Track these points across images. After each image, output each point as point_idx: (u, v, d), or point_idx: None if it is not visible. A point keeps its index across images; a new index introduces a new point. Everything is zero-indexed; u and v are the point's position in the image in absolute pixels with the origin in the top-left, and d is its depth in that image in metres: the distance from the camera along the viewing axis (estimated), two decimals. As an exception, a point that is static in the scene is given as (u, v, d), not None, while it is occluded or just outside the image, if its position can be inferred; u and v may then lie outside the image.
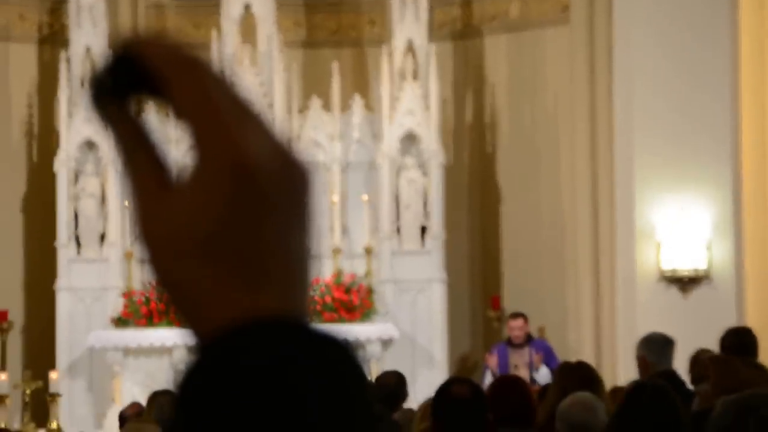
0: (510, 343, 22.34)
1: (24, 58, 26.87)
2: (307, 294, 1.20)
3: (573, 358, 17.80)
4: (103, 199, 24.72)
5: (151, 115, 17.47)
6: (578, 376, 13.29)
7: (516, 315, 22.98)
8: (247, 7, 25.05)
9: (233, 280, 1.13)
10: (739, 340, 16.23)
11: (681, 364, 15.50)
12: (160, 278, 1.17)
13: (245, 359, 1.07)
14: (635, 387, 10.85)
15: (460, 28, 27.29)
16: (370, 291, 23.95)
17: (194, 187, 1.15)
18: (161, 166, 1.18)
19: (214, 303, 1.13)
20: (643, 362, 15.71)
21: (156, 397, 14.26)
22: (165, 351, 22.92)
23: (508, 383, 14.76)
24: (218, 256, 1.14)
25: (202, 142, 1.16)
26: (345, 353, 1.12)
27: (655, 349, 16.13)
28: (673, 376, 14.52)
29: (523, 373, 20.36)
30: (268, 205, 1.16)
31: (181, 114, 1.17)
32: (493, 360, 21.91)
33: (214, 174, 1.15)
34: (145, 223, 1.17)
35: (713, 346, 15.99)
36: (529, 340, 22.47)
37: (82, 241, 24.84)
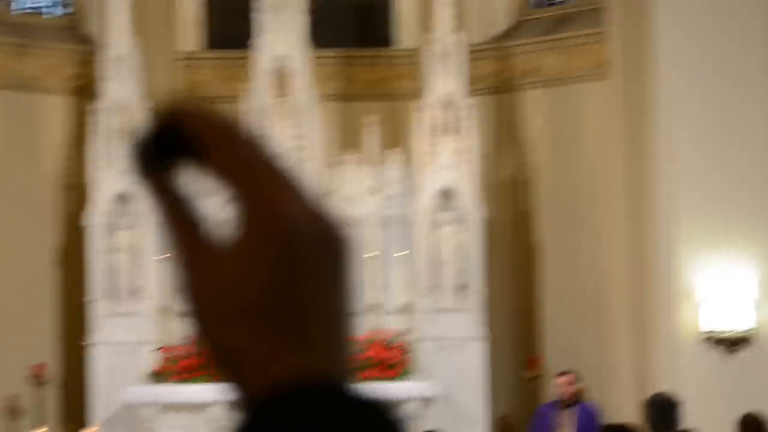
0: (558, 402, 20.57)
1: (55, 110, 25.67)
2: (348, 354, 1.18)
3: (613, 421, 17.54)
4: (136, 253, 23.63)
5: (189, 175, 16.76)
6: None
7: (563, 373, 21.22)
8: (280, 60, 23.87)
9: (277, 344, 1.11)
10: None
11: (727, 428, 15.26)
12: (205, 339, 1.15)
13: (290, 423, 1.07)
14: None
15: (497, 82, 26.35)
16: (408, 349, 22.83)
17: (238, 255, 1.12)
18: (205, 233, 1.15)
19: (259, 365, 1.10)
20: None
21: None
22: (202, 407, 21.91)
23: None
24: (262, 320, 1.11)
25: (243, 210, 1.13)
26: (384, 417, 1.10)
27: (655, 412, 15.75)
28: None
29: None
30: (308, 270, 1.13)
31: (221, 179, 1.13)
32: (539, 421, 20.68)
33: (256, 242, 1.11)
34: (191, 287, 1.13)
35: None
36: (576, 401, 20.73)
37: (116, 295, 23.62)
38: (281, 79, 23.83)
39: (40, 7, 27.26)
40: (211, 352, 1.14)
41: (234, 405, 1.13)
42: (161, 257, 22.31)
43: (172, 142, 1.15)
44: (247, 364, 1.12)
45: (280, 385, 1.08)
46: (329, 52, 25.92)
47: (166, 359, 23.04)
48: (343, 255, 1.16)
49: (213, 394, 16.82)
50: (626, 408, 19.86)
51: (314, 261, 1.13)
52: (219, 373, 1.14)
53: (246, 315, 1.12)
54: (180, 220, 1.17)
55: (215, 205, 1.14)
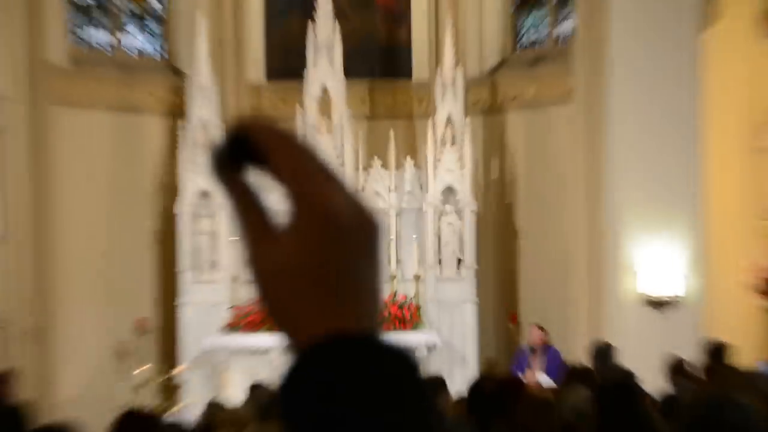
0: (530, 348, 21.88)
1: (154, 127, 26.89)
2: (378, 311, 1.35)
3: (570, 361, 18.43)
4: (214, 235, 24.90)
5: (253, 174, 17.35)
6: (581, 376, 13.17)
7: (536, 326, 22.60)
8: (324, 88, 24.96)
9: (322, 304, 1.28)
10: (719, 349, 16.91)
11: (656, 367, 15.81)
12: (265, 301, 1.35)
13: (332, 364, 1.25)
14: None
15: (488, 105, 27.38)
16: (418, 308, 24.09)
17: (293, 235, 1.31)
18: (266, 218, 1.35)
19: (306, 320, 1.28)
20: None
21: (253, 388, 14.38)
22: (262, 352, 22.27)
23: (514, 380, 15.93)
24: (311, 286, 1.29)
25: (297, 201, 1.32)
26: (404, 357, 1.29)
27: (603, 354, 17.16)
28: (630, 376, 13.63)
29: (538, 375, 20.47)
30: (348, 247, 1.30)
31: (280, 178, 1.34)
32: (517, 363, 21.73)
33: (307, 225, 1.30)
34: (256, 262, 1.33)
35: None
36: (546, 346, 21.96)
37: (199, 267, 24.92)
38: (324, 103, 24.91)
39: (144, 50, 28.34)
40: (269, 311, 1.36)
41: (287, 351, 1.37)
42: (233, 239, 23.43)
43: (242, 149, 1.40)
44: (298, 320, 1.32)
45: (323, 335, 1.30)
46: (361, 82, 26.79)
47: (236, 316, 23.99)
48: (375, 236, 1.37)
49: (271, 342, 20.56)
50: (582, 352, 19.86)
51: (353, 241, 1.34)
52: (275, 327, 1.36)
53: (298, 282, 1.32)
54: (246, 209, 1.40)
55: (274, 197, 1.44)
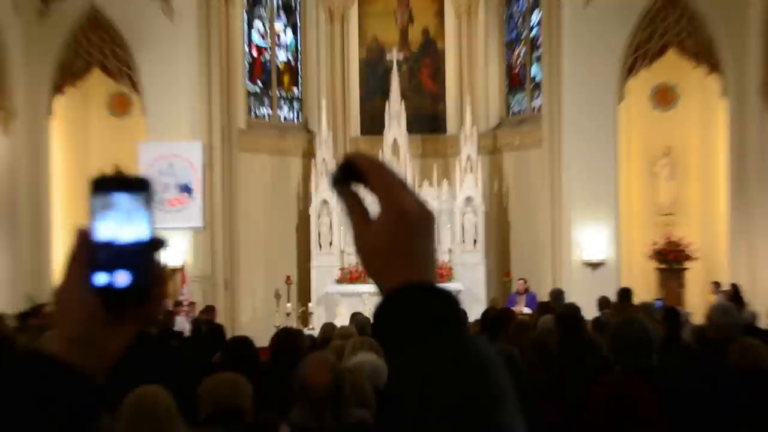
0: (517, 292, 25.01)
1: (295, 163, 31.86)
2: (434, 269, 1.59)
3: (544, 299, 20.46)
4: (330, 226, 29.33)
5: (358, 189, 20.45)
6: (547, 309, 15.31)
7: (521, 279, 25.86)
8: (395, 139, 29.46)
9: (399, 265, 1.54)
10: (626, 292, 19.06)
11: (592, 305, 17.89)
12: (365, 265, 1.61)
13: (405, 300, 1.50)
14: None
15: (491, 149, 31.68)
16: (450, 268, 28.35)
17: (381, 224, 1.56)
18: (365, 214, 1.60)
19: (390, 275, 1.54)
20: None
21: (354, 315, 14.68)
22: (359, 294, 25.74)
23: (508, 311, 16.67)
24: (391, 255, 1.55)
25: (383, 202, 1.56)
26: (450, 295, 1.51)
27: (558, 296, 19.18)
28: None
29: (522, 308, 22.88)
30: (415, 230, 1.55)
31: (373, 189, 1.58)
32: (509, 300, 24.01)
33: (389, 218, 1.55)
34: (359, 241, 1.61)
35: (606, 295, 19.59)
36: (527, 291, 24.84)
37: (322, 244, 29.50)
38: (395, 149, 29.47)
39: (289, 118, 33.15)
40: (367, 270, 1.60)
41: (378, 293, 1.57)
42: (344, 227, 27.44)
43: (351, 172, 1.60)
44: (383, 275, 1.55)
45: (400, 284, 1.51)
46: (416, 136, 31.24)
47: (343, 273, 28.71)
48: (431, 224, 1.57)
49: (364, 289, 24.99)
50: (547, 295, 21.10)
51: (418, 226, 1.55)
52: (371, 279, 1.61)
53: (384, 252, 1.55)
54: (353, 208, 1.61)
55: (369, 201, 1.59)
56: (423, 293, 1.47)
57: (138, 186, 1.48)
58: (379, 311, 1.50)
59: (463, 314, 1.48)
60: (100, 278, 1.46)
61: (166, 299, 1.42)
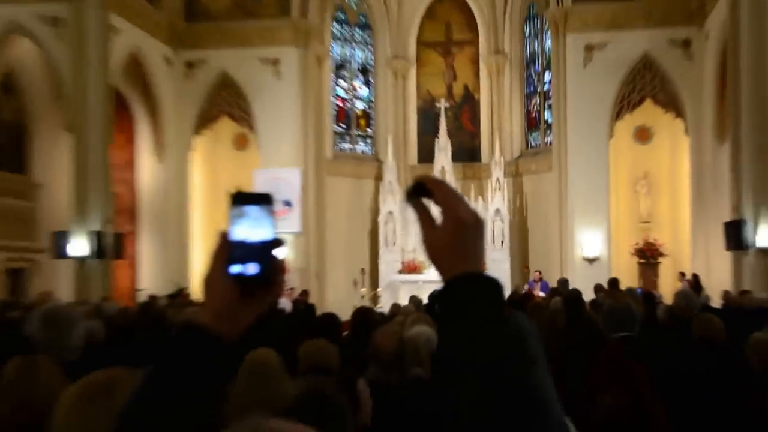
0: (534, 280, 25.64)
1: (368, 185, 33.01)
2: (483, 263, 1.51)
3: (554, 286, 19.90)
4: (394, 230, 30.72)
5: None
6: (556, 293, 15.01)
7: (537, 270, 26.89)
8: (443, 166, 30.65)
9: (458, 259, 1.49)
10: (615, 281, 19.26)
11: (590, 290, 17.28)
12: (432, 260, 1.54)
13: (464, 285, 1.45)
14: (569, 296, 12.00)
15: (514, 173, 32.75)
16: (485, 263, 29.14)
17: (443, 228, 1.51)
18: (432, 220, 1.53)
19: (450, 267, 1.49)
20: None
21: (412, 297, 14.94)
22: (415, 282, 26.82)
23: (528, 294, 19.10)
24: (452, 251, 1.49)
25: (445, 212, 1.51)
26: (495, 282, 1.47)
27: (564, 283, 19.21)
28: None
29: (538, 292, 22.83)
30: (469, 234, 1.50)
31: (437, 202, 1.53)
32: (527, 287, 24.15)
33: (449, 224, 1.51)
34: (426, 241, 1.54)
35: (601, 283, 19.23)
36: (541, 280, 25.41)
37: (387, 244, 30.81)
38: (443, 173, 30.09)
39: (365, 150, 34.32)
40: (433, 263, 1.53)
41: (442, 281, 1.50)
42: (404, 231, 30.38)
43: (421, 188, 1.54)
44: (445, 267, 1.49)
45: (458, 274, 1.47)
46: (458, 164, 31.89)
47: (404, 265, 29.71)
48: (481, 228, 1.51)
49: (420, 278, 26.65)
50: (556, 282, 21.02)
51: (471, 230, 1.50)
52: (436, 270, 1.52)
53: (445, 250, 1.50)
54: (422, 216, 1.55)
55: (435, 211, 1.52)
56: (475, 280, 1.47)
57: (263, 200, 1.55)
58: (442, 294, 1.49)
59: (504, 296, 1.49)
60: (236, 268, 1.51)
61: (282, 284, 1.58)
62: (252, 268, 1.51)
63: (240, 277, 1.51)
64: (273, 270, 1.53)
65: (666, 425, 2.77)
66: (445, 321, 1.44)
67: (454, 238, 1.50)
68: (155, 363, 1.52)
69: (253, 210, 1.52)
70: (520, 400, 1.33)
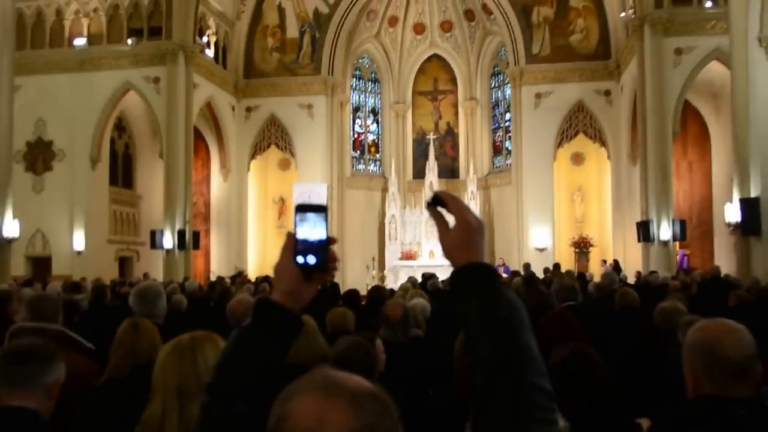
0: (498, 266, 24.05)
1: (378, 196, 31.81)
2: (485, 256, 1.42)
3: (515, 269, 19.28)
4: (396, 229, 30.22)
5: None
6: (516, 274, 13.97)
7: (500, 258, 26.28)
8: (431, 181, 29.64)
9: (467, 252, 1.42)
10: (558, 266, 19.44)
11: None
12: (446, 253, 1.47)
13: (471, 272, 1.40)
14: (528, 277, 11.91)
15: (484, 187, 31.79)
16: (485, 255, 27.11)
17: (455, 230, 1.44)
18: (447, 224, 1.46)
19: (461, 259, 1.42)
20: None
21: (410, 277, 14.34)
22: (411, 267, 26.04)
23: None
24: (462, 248, 1.42)
25: (456, 218, 1.45)
26: (492, 268, 1.42)
27: (528, 266, 18.41)
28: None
29: (502, 274, 18.86)
30: (475, 234, 1.44)
31: (450, 211, 1.47)
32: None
33: (460, 227, 1.44)
34: (442, 240, 1.45)
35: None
36: (504, 265, 24.42)
37: (391, 239, 30.16)
38: (431, 186, 29.36)
39: (375, 170, 32.82)
40: (447, 256, 1.45)
41: (453, 269, 1.42)
42: (403, 229, 30.04)
43: (438, 201, 1.49)
44: (456, 259, 1.42)
45: (466, 263, 1.42)
46: (443, 179, 31.10)
47: (403, 254, 29.19)
48: (484, 231, 1.45)
49: (417, 263, 25.90)
50: (517, 266, 21.47)
51: (477, 232, 1.44)
52: (449, 261, 1.45)
53: (457, 247, 1.43)
54: (439, 221, 1.47)
55: (450, 218, 1.41)
56: (479, 268, 1.41)
57: (320, 209, 1.50)
58: (454, 278, 1.43)
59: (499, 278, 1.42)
60: (300, 259, 1.48)
61: (334, 270, 1.52)
62: (311, 259, 1.51)
63: (303, 265, 1.51)
64: (327, 260, 1.52)
65: (604, 366, 2.85)
66: (459, 296, 1.42)
67: (463, 237, 1.48)
68: (243, 327, 1.52)
69: (312, 216, 1.51)
70: (515, 351, 1.34)
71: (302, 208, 1.52)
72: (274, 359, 1.48)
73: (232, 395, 1.44)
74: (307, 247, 1.50)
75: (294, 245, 1.50)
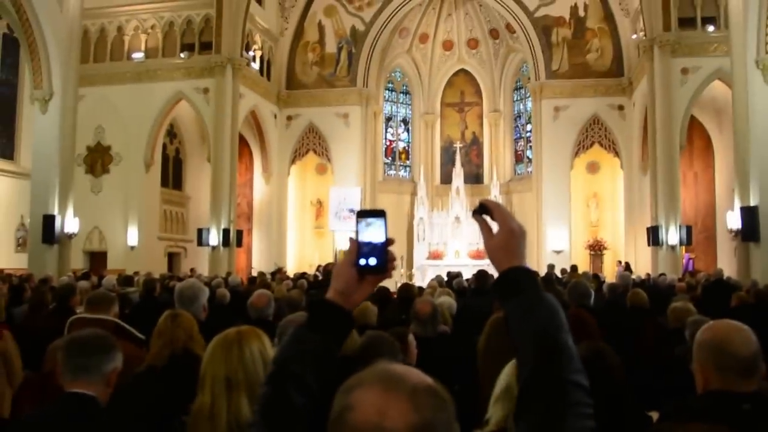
0: None
1: (407, 199, 31.14)
2: (525, 259, 1.40)
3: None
4: (424, 230, 29.72)
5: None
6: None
7: None
8: (457, 187, 29.43)
9: (510, 257, 1.41)
10: (575, 267, 18.58)
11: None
12: (490, 257, 1.46)
13: (514, 275, 1.40)
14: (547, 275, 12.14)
15: (506, 192, 30.86)
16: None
17: (499, 235, 1.43)
18: (491, 230, 1.44)
19: (504, 263, 1.41)
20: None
21: (437, 276, 13.39)
22: (438, 265, 25.52)
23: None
24: (504, 251, 1.41)
25: (500, 224, 1.43)
26: (535, 272, 1.41)
27: (552, 267, 17.84)
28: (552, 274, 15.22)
29: None
30: (518, 240, 1.43)
31: (494, 218, 1.45)
32: None
33: (503, 233, 1.43)
34: (487, 245, 1.45)
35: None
36: None
37: (419, 239, 29.60)
38: (458, 191, 29.53)
39: (405, 175, 32.50)
40: (491, 259, 1.44)
41: (500, 273, 1.39)
42: (440, 231, 29.00)
43: (483, 208, 1.47)
44: (500, 262, 1.42)
45: (510, 267, 1.40)
46: (468, 185, 30.34)
47: (430, 254, 28.50)
48: (524, 236, 1.43)
49: (443, 263, 25.15)
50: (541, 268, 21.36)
51: (519, 238, 1.43)
52: (493, 265, 1.43)
53: (501, 250, 1.42)
54: (483, 227, 1.47)
55: (494, 225, 1.38)
56: (521, 271, 1.41)
57: (380, 214, 1.49)
58: (499, 281, 1.42)
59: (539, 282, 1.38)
60: (362, 261, 1.47)
61: (393, 270, 1.49)
62: (373, 261, 1.50)
63: (365, 266, 1.50)
64: (387, 261, 1.52)
65: (618, 362, 2.84)
66: (503, 297, 1.41)
67: (506, 243, 1.46)
68: (300, 325, 1.52)
69: (373, 221, 1.51)
70: (556, 350, 1.34)
71: (363, 214, 1.52)
72: (327, 353, 1.47)
73: (290, 386, 1.43)
74: (370, 249, 1.50)
75: (357, 249, 1.49)
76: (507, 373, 2.33)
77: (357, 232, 1.50)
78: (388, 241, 1.51)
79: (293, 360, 1.45)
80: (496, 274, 1.49)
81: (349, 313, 1.49)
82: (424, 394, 1.03)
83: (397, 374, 1.04)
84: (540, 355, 1.32)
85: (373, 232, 1.50)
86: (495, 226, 1.48)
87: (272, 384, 1.46)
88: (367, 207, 26.20)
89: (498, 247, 1.45)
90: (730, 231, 19.56)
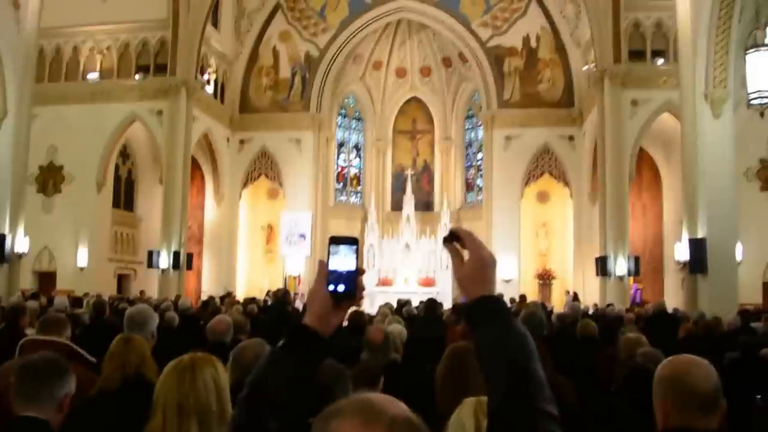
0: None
1: (357, 225, 30.74)
2: (494, 288, 1.40)
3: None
4: (373, 257, 29.15)
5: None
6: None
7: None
8: (408, 214, 29.30)
9: (479, 285, 1.40)
10: (524, 296, 17.77)
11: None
12: (460, 286, 1.45)
13: (483, 303, 1.39)
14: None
15: (456, 220, 30.33)
16: (434, 279, 27.30)
17: (469, 264, 1.42)
18: (462, 258, 1.44)
19: (475, 291, 1.40)
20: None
21: (386, 303, 12.91)
22: (387, 292, 25.42)
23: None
24: (474, 279, 1.40)
25: (471, 253, 1.42)
26: (503, 301, 1.41)
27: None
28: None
29: None
30: (488, 266, 1.41)
31: (465, 246, 1.44)
32: (462, 299, 17.74)
33: (474, 261, 1.42)
34: (457, 273, 1.44)
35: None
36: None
37: (369, 267, 28.85)
38: (407, 218, 29.51)
39: (355, 201, 32.62)
40: (461, 288, 1.44)
41: (467, 302, 1.40)
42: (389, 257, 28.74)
43: (453, 236, 1.46)
44: (469, 291, 1.41)
45: (478, 296, 1.39)
46: (419, 212, 30.40)
47: (379, 280, 28.51)
48: (494, 264, 1.42)
49: (392, 290, 25.07)
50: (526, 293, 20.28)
51: (489, 266, 1.42)
52: (463, 293, 1.43)
53: (470, 278, 1.41)
54: (455, 255, 1.46)
55: (465, 254, 1.37)
56: (492, 300, 1.40)
57: (351, 242, 1.48)
58: (469, 309, 1.41)
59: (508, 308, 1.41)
60: (331, 287, 1.46)
61: (362, 298, 1.52)
62: (341, 288, 1.49)
63: (334, 293, 1.49)
64: (356, 289, 1.51)
65: (572, 390, 2.83)
66: (474, 326, 1.41)
67: (477, 271, 1.45)
68: (276, 348, 1.50)
69: (343, 248, 1.50)
70: (526, 379, 1.33)
71: (335, 240, 1.50)
72: (302, 378, 1.46)
73: (263, 409, 1.42)
74: (337, 276, 1.49)
75: (326, 275, 1.48)
76: (463, 414, 2.22)
77: (328, 256, 1.50)
78: (359, 271, 1.51)
79: (268, 382, 1.44)
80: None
81: (325, 337, 1.48)
82: (403, 427, 1.02)
83: (376, 405, 1.04)
84: (511, 383, 1.31)
85: (344, 260, 1.49)
86: (466, 254, 1.47)
87: (245, 406, 1.44)
88: (318, 233, 28.76)
89: (469, 276, 1.44)
90: (678, 262, 19.64)
